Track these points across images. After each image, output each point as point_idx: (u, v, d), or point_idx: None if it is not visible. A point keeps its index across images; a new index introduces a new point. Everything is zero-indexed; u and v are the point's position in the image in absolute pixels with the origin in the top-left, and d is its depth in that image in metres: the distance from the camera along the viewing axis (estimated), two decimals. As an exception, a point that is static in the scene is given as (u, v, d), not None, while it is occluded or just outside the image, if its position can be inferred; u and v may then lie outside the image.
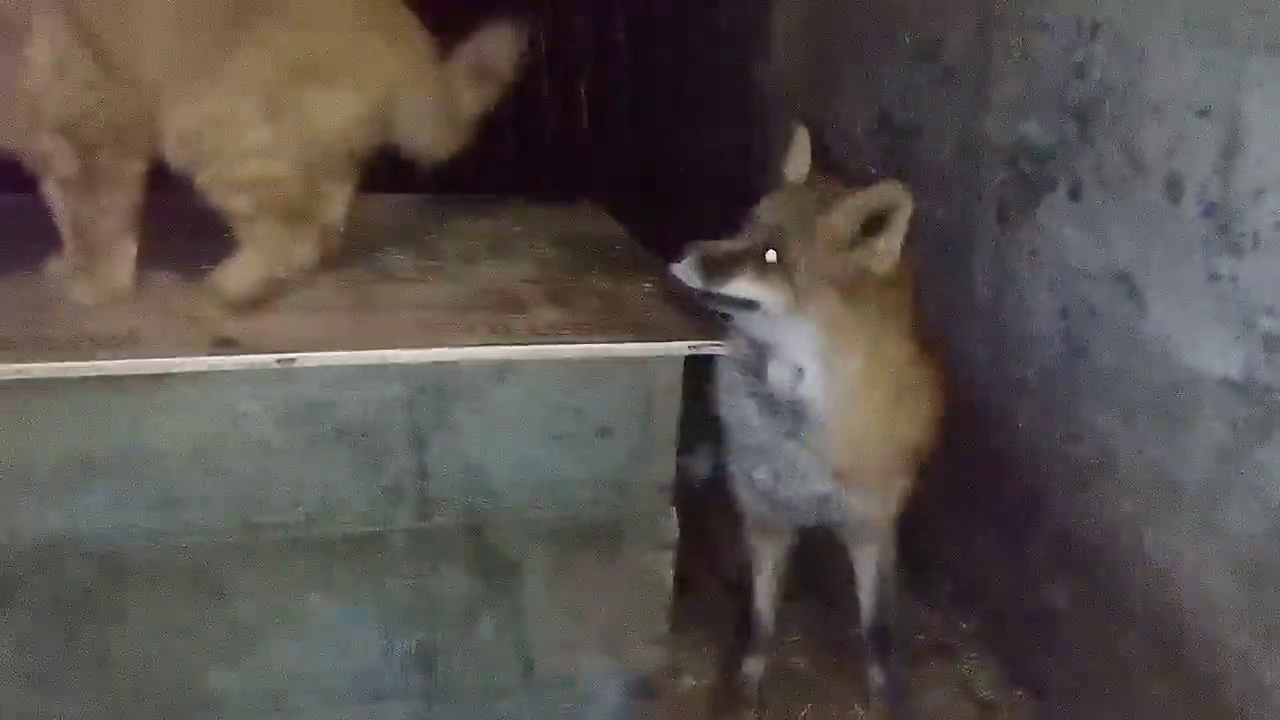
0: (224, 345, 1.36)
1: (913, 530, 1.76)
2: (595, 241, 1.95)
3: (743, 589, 1.85)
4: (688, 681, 1.84)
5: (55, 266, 1.55)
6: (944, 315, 1.94)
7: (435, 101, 1.58)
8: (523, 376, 1.46)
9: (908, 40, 2.17)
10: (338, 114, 1.47)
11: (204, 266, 1.53)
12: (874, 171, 2.34)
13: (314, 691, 1.52)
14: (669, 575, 1.60)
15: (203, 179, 1.43)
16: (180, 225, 1.54)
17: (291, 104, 1.43)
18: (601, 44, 3.54)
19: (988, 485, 1.95)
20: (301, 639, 1.49)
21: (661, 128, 3.25)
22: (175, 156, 1.44)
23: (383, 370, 1.41)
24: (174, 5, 1.40)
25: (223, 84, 1.40)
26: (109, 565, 1.39)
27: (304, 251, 1.52)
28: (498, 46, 1.65)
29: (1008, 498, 1.90)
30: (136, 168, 1.47)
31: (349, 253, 1.68)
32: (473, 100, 1.65)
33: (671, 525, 1.58)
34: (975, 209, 1.96)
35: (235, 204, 1.45)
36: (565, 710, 1.63)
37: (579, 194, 2.24)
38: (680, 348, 1.49)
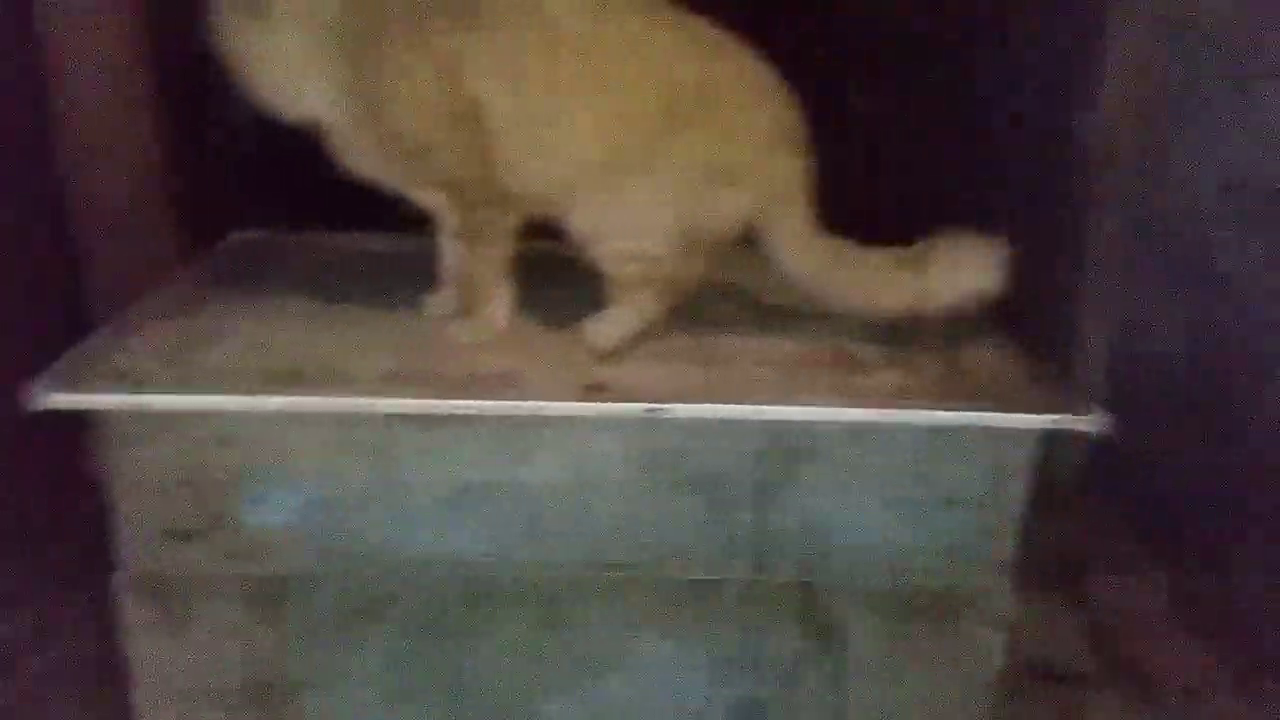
0: (596, 391, 1.44)
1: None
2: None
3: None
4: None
5: (430, 302, 1.70)
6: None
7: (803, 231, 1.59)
8: (874, 440, 1.45)
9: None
10: (732, 211, 1.53)
11: (565, 316, 1.63)
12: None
13: (640, 729, 1.57)
14: (1000, 655, 1.54)
15: (598, 250, 1.54)
16: (538, 276, 1.66)
17: (699, 199, 1.50)
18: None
19: None
20: (634, 676, 1.54)
21: (945, 179, 3.18)
22: (577, 230, 1.54)
23: (739, 424, 1.44)
24: (599, 122, 1.48)
25: (643, 178, 1.48)
26: (471, 587, 1.50)
27: (664, 311, 1.59)
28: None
29: None
30: (511, 223, 1.58)
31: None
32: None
33: (1008, 604, 1.52)
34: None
35: (622, 272, 1.55)
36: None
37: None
38: (1038, 421, 1.44)
